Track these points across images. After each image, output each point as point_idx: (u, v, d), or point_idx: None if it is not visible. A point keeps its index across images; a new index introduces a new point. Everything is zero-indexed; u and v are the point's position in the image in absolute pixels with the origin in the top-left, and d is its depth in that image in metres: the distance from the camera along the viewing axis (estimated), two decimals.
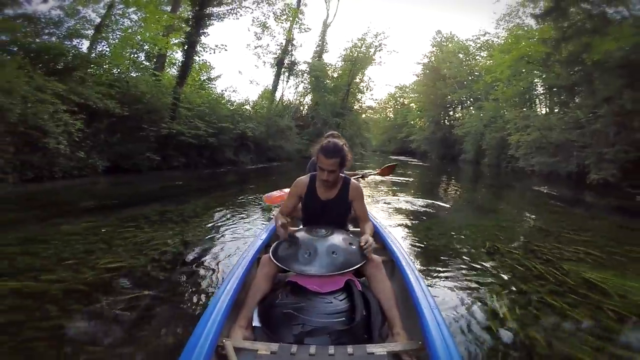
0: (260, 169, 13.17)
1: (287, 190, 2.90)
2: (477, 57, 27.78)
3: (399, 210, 5.45)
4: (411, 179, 11.32)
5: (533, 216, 5.63)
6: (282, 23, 17.99)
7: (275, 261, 1.52)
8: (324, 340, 1.27)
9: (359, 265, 1.50)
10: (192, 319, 1.85)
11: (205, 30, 11.65)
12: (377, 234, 2.33)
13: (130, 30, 12.02)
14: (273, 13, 15.84)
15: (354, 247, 1.57)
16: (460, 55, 28.89)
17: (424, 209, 5.69)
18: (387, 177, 7.39)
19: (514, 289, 2.49)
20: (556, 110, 15.28)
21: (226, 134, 12.00)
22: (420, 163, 23.14)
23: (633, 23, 9.23)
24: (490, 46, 24.18)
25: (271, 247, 1.63)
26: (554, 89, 15.77)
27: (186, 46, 11.34)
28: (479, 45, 27.20)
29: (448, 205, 6.50)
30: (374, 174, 4.36)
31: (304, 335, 1.28)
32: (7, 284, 2.21)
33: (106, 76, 9.72)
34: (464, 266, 2.93)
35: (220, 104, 13.63)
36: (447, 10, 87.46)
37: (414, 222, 4.76)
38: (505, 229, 4.46)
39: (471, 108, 28.83)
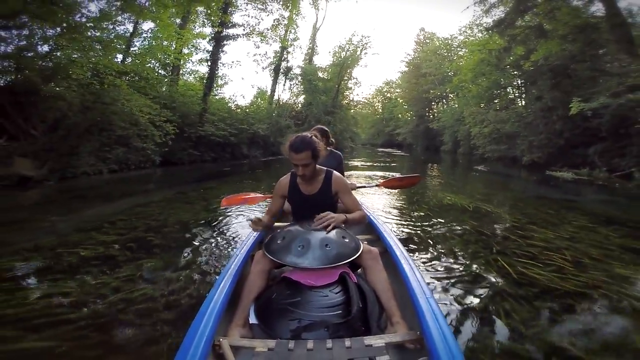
0: (268, 160, 16.06)
1: (250, 194, 3.24)
2: (459, 53, 29.40)
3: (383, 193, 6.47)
4: (394, 164, 14.29)
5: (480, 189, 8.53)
6: (280, 37, 20.47)
7: (268, 255, 1.52)
8: (322, 334, 1.27)
9: (352, 258, 1.49)
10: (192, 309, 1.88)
11: (224, 50, 14.40)
12: (370, 226, 2.40)
13: (154, 43, 14.43)
14: (279, 37, 18.51)
15: (347, 240, 1.58)
16: (444, 52, 31.00)
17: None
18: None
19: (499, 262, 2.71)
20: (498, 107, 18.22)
21: (243, 133, 14.83)
22: (405, 154, 25.69)
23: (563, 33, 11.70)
24: (467, 44, 25.45)
25: (264, 242, 1.64)
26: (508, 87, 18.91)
27: (209, 62, 14.04)
28: (456, 44, 29.53)
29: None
30: (375, 185, 3.69)
31: (301, 330, 1.29)
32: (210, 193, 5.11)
33: (149, 88, 12.27)
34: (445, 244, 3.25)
35: (233, 110, 16.49)
36: (435, 4, 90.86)
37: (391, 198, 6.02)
38: (452, 192, 7.33)
39: (451, 103, 31.66)
